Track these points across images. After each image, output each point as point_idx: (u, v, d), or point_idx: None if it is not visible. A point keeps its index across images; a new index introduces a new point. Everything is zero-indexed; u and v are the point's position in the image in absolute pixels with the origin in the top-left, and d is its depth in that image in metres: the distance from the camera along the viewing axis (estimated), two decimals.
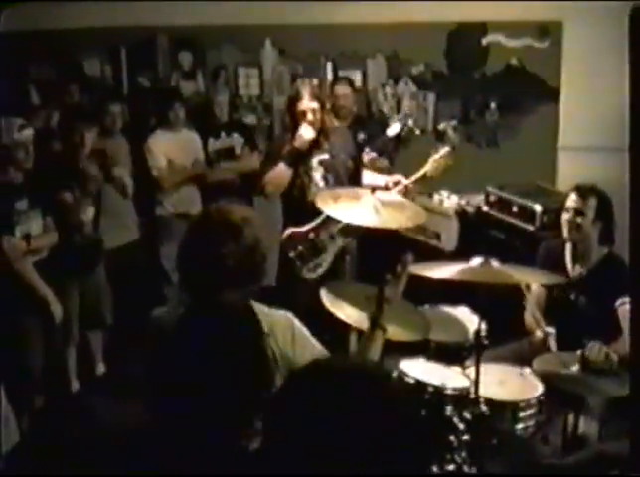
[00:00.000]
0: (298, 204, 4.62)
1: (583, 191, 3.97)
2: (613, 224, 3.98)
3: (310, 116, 4.57)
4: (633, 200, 2.70)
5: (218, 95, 6.26)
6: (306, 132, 4.54)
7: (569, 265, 4.04)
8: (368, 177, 4.97)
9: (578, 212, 3.93)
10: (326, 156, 4.70)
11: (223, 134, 6.00)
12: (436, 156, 4.68)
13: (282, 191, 4.67)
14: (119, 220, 5.43)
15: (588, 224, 3.92)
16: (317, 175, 4.69)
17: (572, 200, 3.97)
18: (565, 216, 4.00)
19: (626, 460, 2.32)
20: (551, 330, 3.96)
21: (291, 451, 1.46)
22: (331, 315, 3.40)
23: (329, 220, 4.41)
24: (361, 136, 5.49)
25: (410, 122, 5.75)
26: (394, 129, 5.60)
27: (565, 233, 4.01)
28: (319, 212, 4.17)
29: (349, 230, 4.55)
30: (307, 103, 4.58)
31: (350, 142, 4.88)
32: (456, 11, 6.00)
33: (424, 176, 4.68)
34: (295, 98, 4.62)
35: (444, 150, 4.71)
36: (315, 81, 5.38)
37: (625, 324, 3.64)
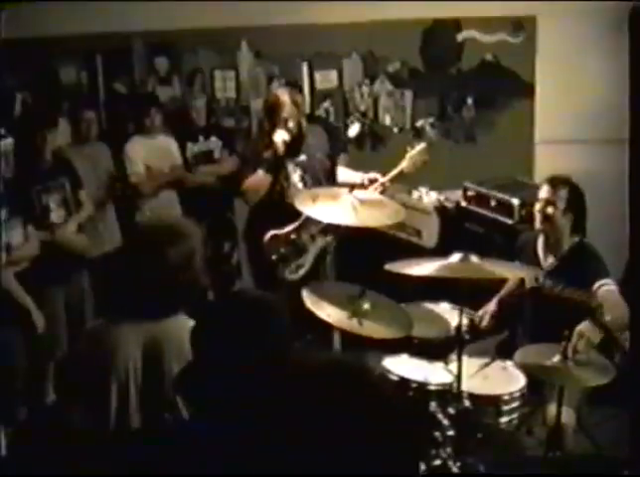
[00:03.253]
0: (278, 206, 4.64)
1: (555, 182, 4.01)
2: (585, 214, 4.03)
3: (291, 123, 4.60)
4: (633, 196, 2.78)
5: (195, 99, 6.25)
6: (281, 136, 4.56)
7: (541, 256, 4.08)
8: (343, 174, 5.00)
9: (549, 202, 3.97)
10: (302, 157, 4.73)
11: (201, 138, 6.00)
12: (412, 152, 4.69)
13: (262, 196, 4.70)
14: (100, 227, 5.41)
15: (559, 214, 3.95)
16: (295, 176, 4.72)
17: (544, 191, 4.02)
18: (536, 206, 4.05)
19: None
20: None
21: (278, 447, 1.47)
22: (313, 315, 3.42)
23: (309, 220, 4.44)
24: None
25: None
26: (354, 130, 5.63)
27: (537, 223, 4.05)
28: (299, 213, 4.20)
29: (330, 229, 4.58)
30: (289, 110, 4.61)
31: (325, 141, 4.91)
32: (430, 8, 6.02)
33: (401, 173, 4.69)
34: (276, 105, 4.64)
35: (420, 146, 4.72)
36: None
37: (607, 303, 3.66)
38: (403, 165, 4.68)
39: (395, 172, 4.70)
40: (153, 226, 2.60)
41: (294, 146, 4.66)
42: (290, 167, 4.71)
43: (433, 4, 5.95)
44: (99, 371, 2.44)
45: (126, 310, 2.47)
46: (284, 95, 4.67)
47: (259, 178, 4.64)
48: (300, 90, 5.80)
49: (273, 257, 4.61)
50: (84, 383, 2.50)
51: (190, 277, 2.49)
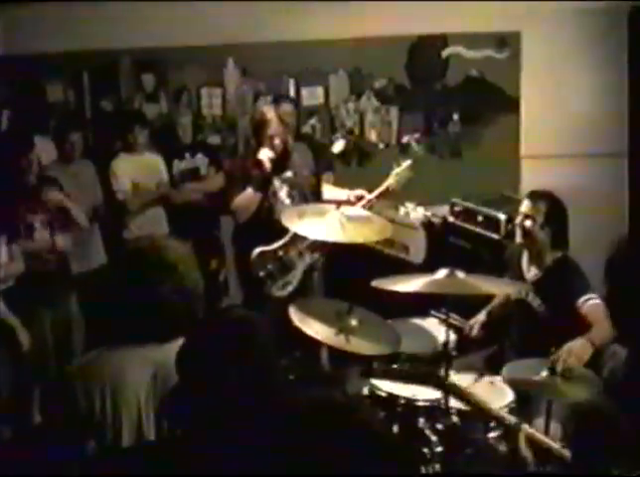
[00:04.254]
0: (266, 223, 4.64)
1: (534, 197, 4.07)
2: (566, 228, 4.05)
3: (277, 140, 4.62)
4: (632, 202, 2.81)
5: (181, 116, 6.25)
6: (266, 155, 4.57)
7: (525, 268, 4.10)
8: (329, 192, 5.01)
9: (527, 216, 4.01)
10: (289, 174, 4.74)
11: (187, 155, 5.99)
12: (398, 170, 4.74)
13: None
14: (86, 243, 5.39)
15: (537, 228, 3.98)
16: (282, 193, 4.72)
17: (524, 205, 4.07)
18: (516, 220, 4.10)
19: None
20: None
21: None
22: (301, 332, 3.41)
23: (297, 237, 4.43)
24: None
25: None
26: (338, 146, 5.65)
27: (517, 237, 4.10)
28: (287, 230, 4.20)
29: (317, 246, 4.58)
30: (275, 128, 4.62)
31: (310, 159, 4.93)
32: (416, 25, 6.05)
33: (387, 190, 4.73)
34: (262, 122, 4.65)
35: (405, 163, 4.77)
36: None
37: (594, 317, 3.74)
38: (389, 182, 4.72)
39: (380, 189, 4.74)
40: (156, 251, 2.48)
41: (281, 163, 4.67)
42: (277, 184, 4.71)
43: (418, 21, 5.98)
44: (107, 398, 2.35)
45: (131, 336, 2.39)
46: (270, 112, 4.68)
47: (249, 196, 4.64)
48: (292, 102, 5.81)
49: (260, 274, 4.60)
50: (86, 411, 2.38)
51: (197, 302, 2.45)
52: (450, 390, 3.33)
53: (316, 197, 4.81)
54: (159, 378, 2.34)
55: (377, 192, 4.73)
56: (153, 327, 2.37)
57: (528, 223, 4.00)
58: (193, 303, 2.44)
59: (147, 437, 2.33)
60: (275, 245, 4.60)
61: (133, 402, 2.34)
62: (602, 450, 2.26)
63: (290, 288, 4.65)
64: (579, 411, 2.58)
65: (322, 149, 5.84)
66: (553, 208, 4.01)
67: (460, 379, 3.63)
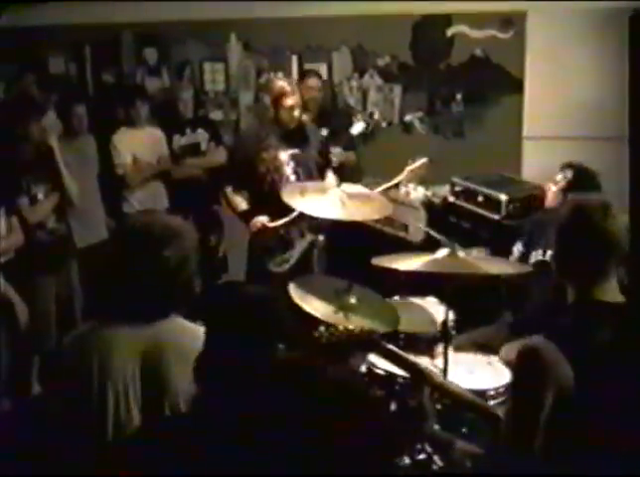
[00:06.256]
0: (269, 198, 4.63)
1: (563, 166, 4.29)
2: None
3: (296, 112, 4.63)
4: (633, 192, 2.82)
5: (183, 91, 6.23)
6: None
7: None
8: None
9: (555, 183, 4.22)
10: (297, 150, 4.73)
11: (188, 130, 5.98)
12: (412, 166, 4.69)
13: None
14: (88, 218, 5.39)
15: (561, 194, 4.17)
16: (288, 169, 4.71)
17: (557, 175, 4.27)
18: (545, 187, 4.35)
19: None
20: None
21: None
22: (300, 309, 3.42)
23: (300, 217, 4.44)
24: (324, 132, 5.49)
25: (377, 116, 5.80)
26: (357, 128, 5.62)
27: (546, 203, 4.31)
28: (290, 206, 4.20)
29: (318, 226, 4.58)
30: (295, 98, 4.64)
31: (318, 138, 4.93)
32: (421, 3, 6.01)
33: (397, 185, 4.71)
34: (282, 94, 4.65)
35: (421, 161, 4.71)
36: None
37: None
38: (401, 177, 4.69)
39: (391, 183, 4.69)
40: (148, 224, 2.43)
41: (295, 137, 4.68)
42: (284, 159, 4.70)
43: None
44: (94, 375, 2.34)
45: (120, 312, 2.37)
46: (291, 84, 4.72)
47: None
48: (318, 76, 5.83)
49: (259, 247, 4.62)
50: (77, 386, 2.37)
51: (184, 279, 2.40)
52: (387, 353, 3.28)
53: (323, 176, 4.81)
54: (147, 361, 2.31)
55: (386, 185, 4.66)
56: (148, 304, 2.35)
57: (552, 188, 4.21)
58: (189, 279, 2.42)
59: (127, 423, 2.31)
60: (278, 223, 4.59)
61: (117, 387, 2.32)
62: None
63: (287, 266, 4.66)
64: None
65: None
66: (578, 175, 4.18)
67: (462, 358, 3.65)
